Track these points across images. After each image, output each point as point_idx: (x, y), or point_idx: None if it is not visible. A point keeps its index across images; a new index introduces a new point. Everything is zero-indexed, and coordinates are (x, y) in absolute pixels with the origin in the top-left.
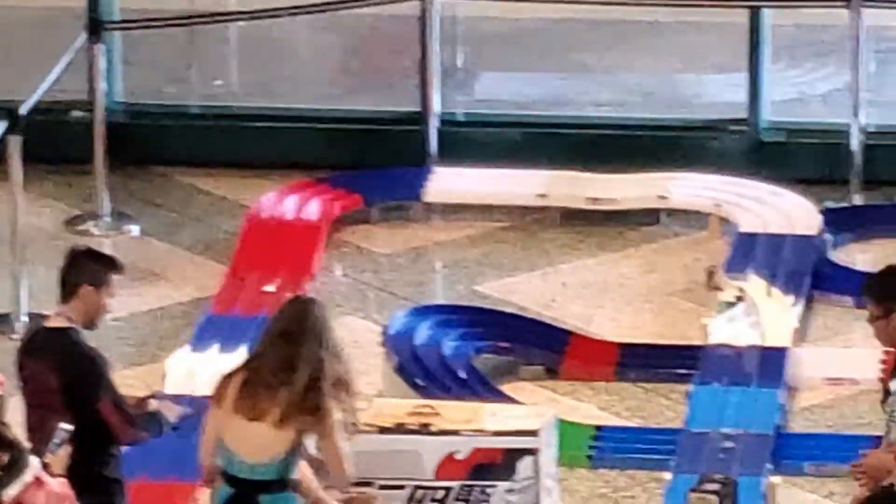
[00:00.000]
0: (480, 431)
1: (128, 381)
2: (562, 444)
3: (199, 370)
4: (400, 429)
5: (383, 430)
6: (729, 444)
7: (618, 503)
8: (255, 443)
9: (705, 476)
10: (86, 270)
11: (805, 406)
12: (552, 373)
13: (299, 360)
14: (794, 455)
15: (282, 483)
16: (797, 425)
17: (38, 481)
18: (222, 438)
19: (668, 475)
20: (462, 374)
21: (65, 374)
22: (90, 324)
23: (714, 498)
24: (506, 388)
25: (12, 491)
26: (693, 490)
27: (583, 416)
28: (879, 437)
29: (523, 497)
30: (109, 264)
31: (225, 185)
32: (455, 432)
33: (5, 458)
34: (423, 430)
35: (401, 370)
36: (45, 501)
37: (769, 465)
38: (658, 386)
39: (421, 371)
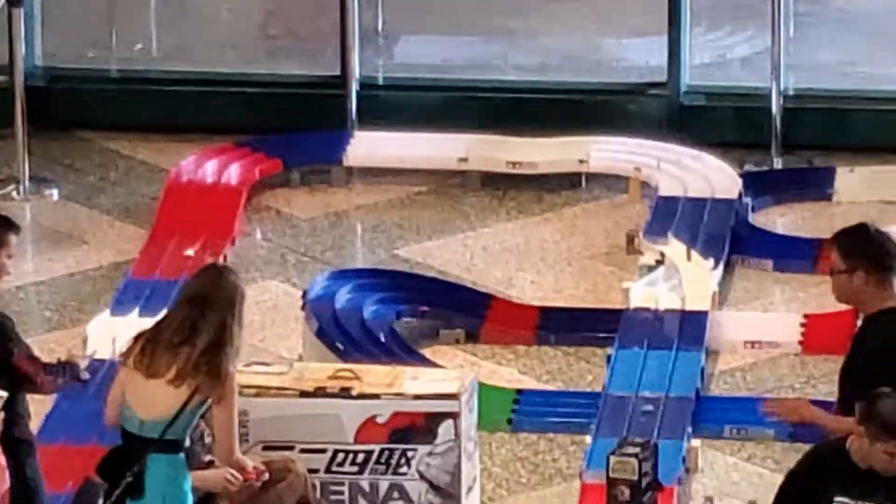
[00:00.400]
0: (401, 395)
1: (48, 346)
2: (482, 408)
3: (119, 334)
4: (320, 393)
5: (304, 394)
6: (649, 408)
7: (539, 467)
8: (149, 399)
9: (626, 439)
10: None
11: (725, 369)
12: (473, 337)
13: (204, 322)
14: (715, 418)
15: (171, 444)
16: (717, 388)
17: None
18: (123, 395)
19: (588, 439)
20: (383, 338)
21: None
22: None
23: (634, 461)
24: (426, 352)
25: None
26: (614, 453)
27: (503, 379)
28: (797, 401)
29: (444, 460)
30: (5, 225)
31: (145, 149)
32: (376, 396)
33: None
34: (344, 393)
35: (321, 334)
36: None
37: (690, 429)
38: (579, 350)
39: (341, 335)
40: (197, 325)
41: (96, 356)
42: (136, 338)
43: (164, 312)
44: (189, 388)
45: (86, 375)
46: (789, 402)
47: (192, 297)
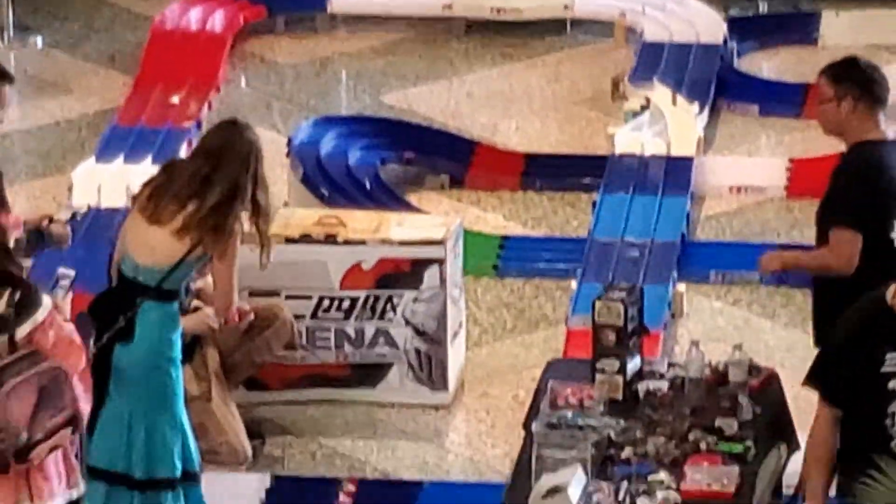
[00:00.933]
0: (386, 241)
1: (34, 193)
2: (468, 254)
3: (104, 181)
4: (306, 239)
5: (289, 241)
6: (635, 253)
7: (524, 312)
8: (149, 245)
9: (611, 284)
10: None
11: (710, 214)
12: (458, 183)
13: (217, 177)
14: (700, 263)
15: (166, 293)
16: (703, 233)
17: (48, 322)
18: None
19: (574, 284)
20: (368, 185)
21: None
22: None
23: (620, 306)
24: (412, 198)
25: (24, 329)
26: (599, 298)
27: (489, 225)
28: (783, 246)
29: (429, 306)
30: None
31: None
32: (361, 242)
33: (16, 295)
34: (329, 240)
35: (306, 181)
36: (54, 343)
37: (675, 274)
38: (564, 195)
39: (326, 181)
40: (209, 179)
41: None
42: (146, 184)
43: (154, 161)
44: (191, 241)
45: (63, 245)
46: (764, 257)
47: (207, 150)
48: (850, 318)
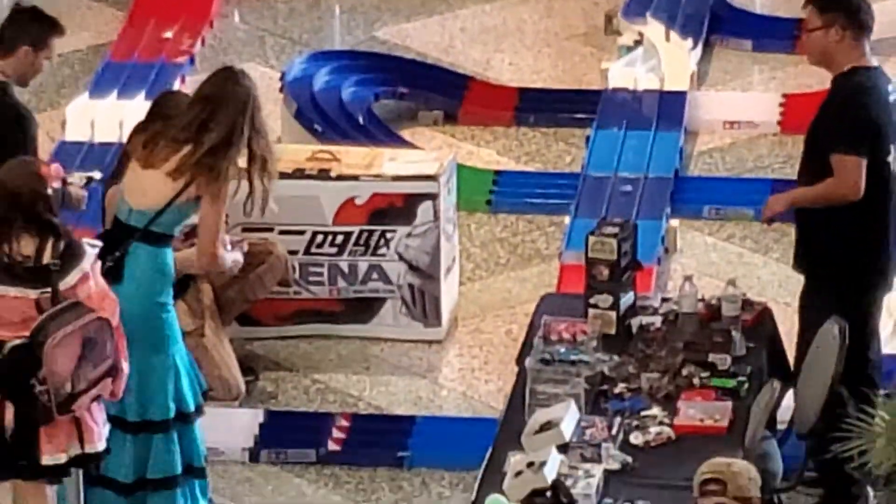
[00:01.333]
0: (380, 176)
1: None
2: (461, 189)
3: (98, 117)
4: (299, 174)
5: (283, 176)
6: (628, 188)
7: (517, 247)
8: (141, 189)
9: (605, 220)
10: (28, 31)
11: (704, 150)
12: (451, 118)
13: (214, 123)
14: (694, 198)
15: (157, 236)
16: (696, 169)
17: (89, 274)
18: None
19: (567, 219)
20: (361, 120)
21: None
22: (23, 81)
23: (613, 241)
24: (405, 134)
25: (69, 280)
26: (592, 233)
27: (482, 160)
28: (776, 181)
29: (423, 241)
30: (50, 27)
31: None
32: (354, 177)
33: (61, 246)
34: (323, 175)
35: (300, 116)
36: (92, 295)
37: (668, 209)
38: (557, 130)
39: (320, 116)
40: (206, 124)
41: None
42: (139, 130)
43: (147, 97)
44: (184, 181)
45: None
46: (769, 200)
47: (205, 97)
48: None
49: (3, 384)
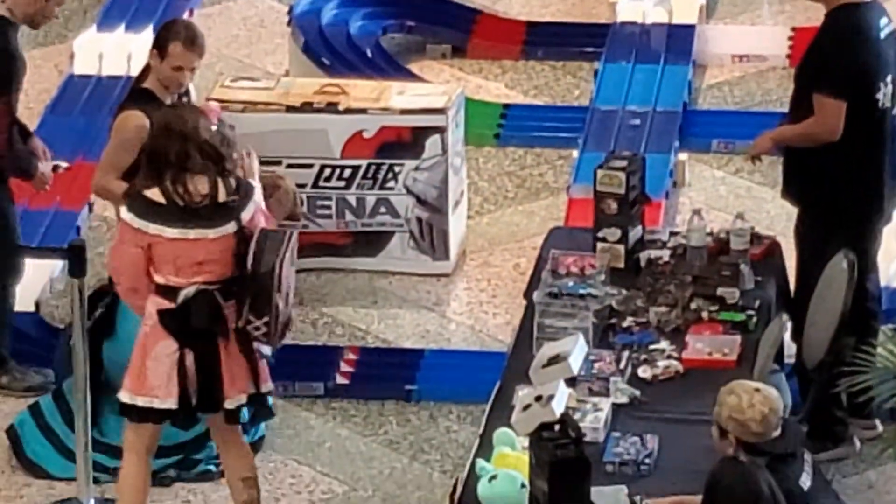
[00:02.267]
0: (388, 110)
1: (35, 63)
2: (469, 123)
3: (106, 50)
4: (307, 108)
5: (290, 109)
6: (636, 122)
7: (526, 181)
8: None
9: (613, 153)
10: None
11: (713, 83)
12: (459, 51)
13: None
14: (702, 132)
15: None
16: (705, 102)
17: (259, 206)
18: None
19: (575, 153)
20: (369, 53)
21: None
22: (32, 24)
23: (622, 175)
24: (413, 67)
25: (246, 215)
26: (601, 167)
27: (490, 94)
28: (784, 115)
29: (431, 175)
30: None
31: None
32: (362, 111)
33: (233, 182)
34: (331, 108)
35: (307, 49)
36: (264, 220)
37: (677, 143)
38: (566, 64)
39: (328, 50)
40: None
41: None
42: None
43: (154, 27)
44: None
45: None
46: (756, 141)
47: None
48: None
49: (187, 332)
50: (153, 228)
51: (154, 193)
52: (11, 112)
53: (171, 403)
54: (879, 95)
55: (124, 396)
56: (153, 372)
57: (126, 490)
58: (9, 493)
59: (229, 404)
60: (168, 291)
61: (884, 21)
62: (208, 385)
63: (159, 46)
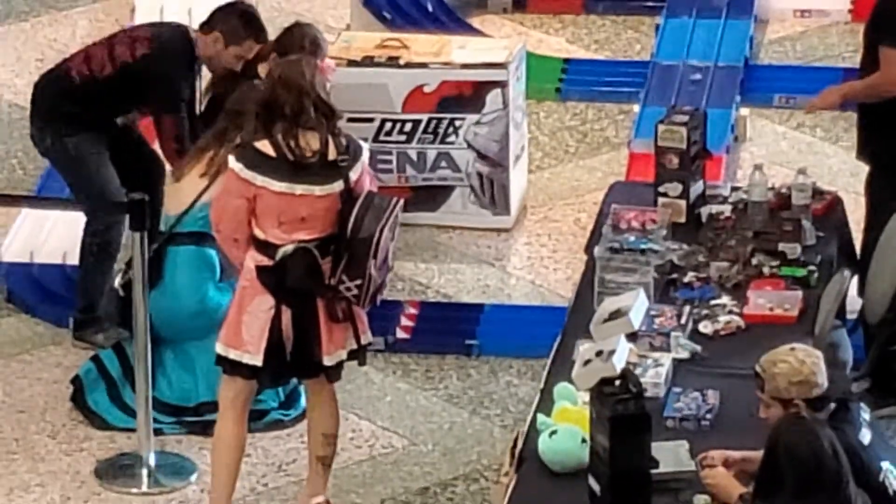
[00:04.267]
0: (449, 64)
1: (97, 17)
2: (530, 77)
3: (166, 3)
4: (368, 62)
5: (351, 63)
6: (698, 77)
7: (587, 136)
8: (175, 197)
9: (674, 108)
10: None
11: (774, 38)
12: (520, 5)
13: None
14: (764, 87)
15: (188, 235)
16: (766, 57)
17: (367, 167)
18: None
19: (636, 107)
20: (430, 7)
21: None
22: (208, 63)
23: (683, 129)
24: (474, 21)
25: (354, 175)
26: (662, 122)
27: (551, 48)
28: (847, 70)
29: (492, 130)
30: (241, 21)
31: None
32: (423, 65)
33: (343, 141)
34: (392, 63)
35: (369, 3)
36: (370, 182)
37: (738, 97)
38: (627, 18)
39: (389, 4)
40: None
41: None
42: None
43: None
44: (210, 177)
45: None
46: (818, 98)
47: (231, 111)
48: None
49: (285, 289)
50: (260, 180)
51: (264, 145)
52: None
53: (258, 360)
54: None
55: (219, 348)
56: (248, 327)
57: (221, 447)
58: (69, 446)
59: (329, 360)
60: (267, 247)
61: None
62: (305, 343)
63: (231, 34)
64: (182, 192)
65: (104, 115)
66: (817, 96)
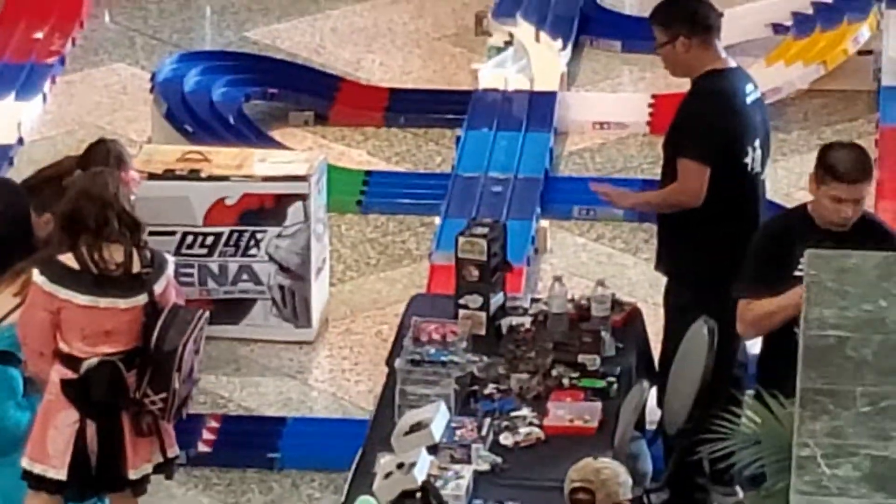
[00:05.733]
0: (250, 177)
1: None
2: (332, 190)
3: None
4: (169, 175)
5: (152, 177)
6: (498, 189)
7: (388, 248)
8: None
9: (475, 220)
10: None
11: (574, 150)
12: (322, 119)
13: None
14: (564, 199)
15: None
16: (566, 169)
17: (171, 280)
18: None
19: (437, 220)
20: (231, 121)
21: None
22: None
23: (483, 241)
24: (275, 134)
25: (159, 287)
26: (462, 234)
27: (353, 161)
28: (646, 181)
29: (293, 242)
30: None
31: None
32: (225, 178)
33: (147, 253)
34: (193, 175)
35: (170, 116)
36: (175, 295)
37: (538, 209)
38: (428, 131)
39: (190, 117)
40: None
41: None
42: None
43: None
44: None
45: None
46: (615, 191)
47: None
48: (772, 221)
49: (89, 403)
50: (64, 293)
51: (68, 258)
52: None
53: (62, 475)
54: (748, 160)
55: (25, 462)
56: (53, 441)
57: None
58: None
59: (134, 474)
60: (71, 360)
61: (750, 87)
62: (110, 457)
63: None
64: None
65: None
66: (616, 190)
